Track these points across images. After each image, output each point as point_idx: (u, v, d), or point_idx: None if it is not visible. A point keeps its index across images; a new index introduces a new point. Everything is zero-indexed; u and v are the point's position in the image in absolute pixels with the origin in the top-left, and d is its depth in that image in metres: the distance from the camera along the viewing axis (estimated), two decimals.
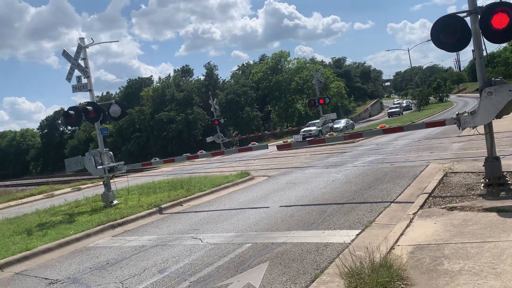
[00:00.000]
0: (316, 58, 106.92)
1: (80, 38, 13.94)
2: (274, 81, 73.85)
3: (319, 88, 42.32)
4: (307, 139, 39.74)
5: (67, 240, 9.36)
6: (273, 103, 74.62)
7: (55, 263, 8.04)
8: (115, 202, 13.43)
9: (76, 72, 13.83)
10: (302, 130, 42.24)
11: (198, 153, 15.88)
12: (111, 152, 14.08)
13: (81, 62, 13.74)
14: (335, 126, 44.25)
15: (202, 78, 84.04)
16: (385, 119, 65.05)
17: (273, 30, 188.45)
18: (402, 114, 66.57)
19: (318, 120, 41.15)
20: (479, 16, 7.98)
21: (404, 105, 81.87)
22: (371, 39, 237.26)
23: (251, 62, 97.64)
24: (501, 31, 7.94)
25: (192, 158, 14.42)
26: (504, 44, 42.03)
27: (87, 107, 13.50)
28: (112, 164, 13.65)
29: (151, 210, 11.57)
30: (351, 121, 50.42)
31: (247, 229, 8.31)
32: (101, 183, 15.63)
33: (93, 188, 22.08)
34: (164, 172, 25.28)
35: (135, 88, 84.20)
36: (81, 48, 13.68)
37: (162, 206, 11.95)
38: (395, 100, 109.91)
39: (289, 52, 79.22)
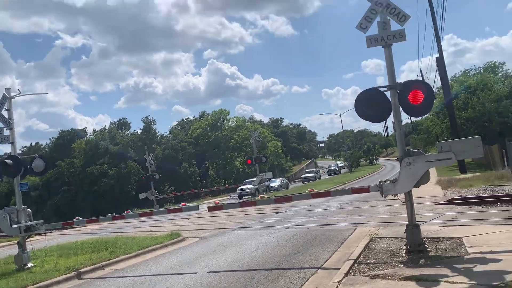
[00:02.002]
0: (255, 118, 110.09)
1: (6, 88, 13.31)
2: (214, 138, 74.42)
3: (256, 147, 43.07)
4: (243, 197, 39.71)
5: None
6: (212, 160, 74.66)
7: None
8: (29, 265, 12.31)
9: None
10: (239, 188, 42.26)
11: (125, 213, 15.20)
12: (29, 210, 13.08)
13: (5, 113, 13.01)
14: (271, 184, 44.73)
15: (139, 131, 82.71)
16: (324, 177, 67.05)
17: (215, 88, 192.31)
18: (319, 179, 62.20)
19: (255, 179, 41.41)
20: (398, 92, 8.62)
21: (332, 168, 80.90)
22: (307, 102, 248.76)
23: (192, 118, 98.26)
24: (417, 106, 8.60)
25: (118, 219, 13.75)
26: (427, 114, 45.68)
27: (7, 160, 12.64)
28: (29, 223, 12.66)
29: (68, 275, 10.69)
30: (286, 180, 51.35)
31: None
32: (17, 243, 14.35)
33: (8, 247, 20.22)
34: (90, 230, 23.83)
35: (67, 140, 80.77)
36: (5, 98, 13.01)
37: (82, 270, 11.10)
38: (318, 166, 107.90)
39: (229, 110, 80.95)
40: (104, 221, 15.83)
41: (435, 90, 44.41)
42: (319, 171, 70.84)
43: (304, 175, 64.88)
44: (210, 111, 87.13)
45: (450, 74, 53.45)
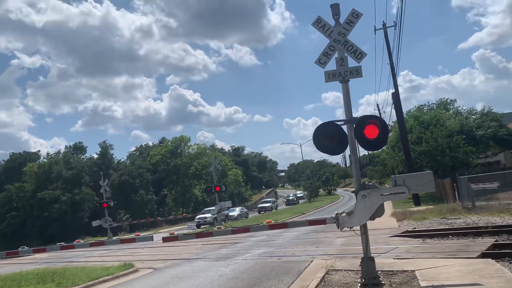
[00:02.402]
0: (216, 145, 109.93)
1: None
2: (173, 165, 73.44)
3: (216, 175, 42.82)
4: (201, 226, 39.04)
5: None
6: (170, 187, 73.48)
7: None
8: None
9: None
10: (197, 217, 41.62)
11: (75, 242, 14.52)
12: None
13: None
14: (230, 214, 44.40)
15: (95, 156, 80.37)
16: (281, 207, 67.15)
17: (176, 114, 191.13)
18: (276, 209, 61.72)
19: (213, 207, 40.92)
20: (354, 126, 8.82)
21: (290, 198, 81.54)
22: (268, 131, 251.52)
23: (151, 144, 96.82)
24: (372, 140, 8.81)
25: (67, 248, 13.10)
26: (383, 147, 47.16)
27: None
28: None
29: None
30: (245, 210, 51.19)
31: None
32: None
33: None
34: (37, 260, 22.54)
35: (18, 163, 77.27)
36: None
37: None
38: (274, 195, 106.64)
39: (189, 137, 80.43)
40: (52, 250, 15.04)
41: (390, 124, 46.18)
42: (276, 201, 70.07)
43: (260, 205, 63.86)
44: (171, 137, 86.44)
45: (405, 108, 55.69)
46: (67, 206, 62.57)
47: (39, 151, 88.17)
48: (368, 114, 11.46)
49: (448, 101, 52.70)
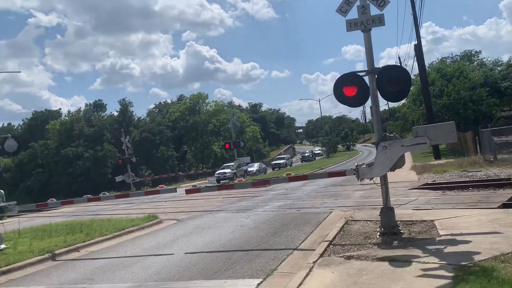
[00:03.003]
0: (234, 102, 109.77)
1: None
2: (192, 122, 73.91)
3: (235, 131, 43.09)
4: (221, 181, 39.77)
5: None
6: (190, 144, 74.33)
7: None
8: (2, 246, 12.04)
9: None
10: (217, 172, 42.27)
11: (101, 194, 15.01)
12: (1, 191, 12.76)
13: None
14: (249, 169, 44.92)
15: (115, 114, 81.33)
16: (297, 164, 67.45)
17: (193, 71, 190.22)
18: (290, 166, 59.40)
19: (233, 163, 41.48)
20: (376, 76, 8.68)
21: (306, 154, 78.28)
22: (286, 87, 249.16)
23: (169, 101, 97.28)
24: (394, 91, 8.70)
25: (94, 201, 13.59)
26: (404, 101, 46.39)
27: None
28: (2, 204, 12.36)
29: (42, 257, 10.52)
30: (263, 165, 51.62)
31: (147, 279, 7.85)
32: None
33: None
34: (65, 213, 23.47)
35: (41, 121, 78.96)
36: None
37: (56, 252, 10.95)
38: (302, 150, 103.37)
39: (207, 94, 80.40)
40: (79, 203, 15.61)
41: (412, 77, 45.14)
42: (290, 158, 68.01)
43: (274, 162, 61.93)
44: (188, 94, 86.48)
45: (427, 61, 54.21)
46: (90, 162, 64.25)
47: (60, 109, 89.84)
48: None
49: (473, 52, 51.03)
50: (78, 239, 12.17)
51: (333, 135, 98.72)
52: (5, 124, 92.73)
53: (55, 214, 24.31)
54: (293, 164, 63.19)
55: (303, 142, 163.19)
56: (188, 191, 12.54)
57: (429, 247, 7.31)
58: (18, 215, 18.57)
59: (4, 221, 12.79)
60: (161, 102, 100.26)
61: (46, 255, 10.65)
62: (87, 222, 15.88)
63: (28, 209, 14.79)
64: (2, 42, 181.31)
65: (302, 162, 71.83)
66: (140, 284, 7.53)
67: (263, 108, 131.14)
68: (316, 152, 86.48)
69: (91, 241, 12.13)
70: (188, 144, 74.84)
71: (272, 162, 62.29)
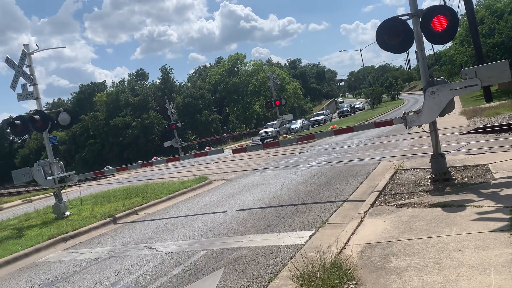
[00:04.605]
0: (272, 60, 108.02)
1: (24, 45, 13.34)
2: (232, 84, 73.90)
3: (275, 89, 42.71)
4: (265, 140, 40.07)
5: (15, 257, 8.93)
6: (231, 106, 74.68)
7: (1, 283, 7.65)
8: (67, 213, 12.96)
9: (22, 80, 13.25)
10: (260, 131, 42.45)
11: (153, 159, 15.60)
12: (61, 162, 13.56)
13: (26, 69, 13.16)
14: (292, 126, 44.75)
15: (158, 81, 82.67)
16: (337, 119, 66.25)
17: (230, 32, 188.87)
18: (331, 121, 57.08)
19: (275, 122, 41.48)
20: (420, 19, 8.28)
21: (345, 109, 72.31)
22: (325, 40, 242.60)
23: (208, 65, 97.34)
24: (440, 33, 8.27)
25: (147, 166, 14.15)
26: (450, 44, 44.02)
27: (34, 116, 12.96)
28: (62, 174, 13.16)
29: (105, 221, 11.25)
30: (306, 122, 51.15)
31: (203, 235, 8.23)
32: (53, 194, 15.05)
33: (45, 199, 21.22)
34: (120, 180, 24.67)
35: (88, 94, 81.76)
36: (25, 55, 13.10)
37: (117, 215, 11.64)
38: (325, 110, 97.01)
39: (245, 54, 79.64)
40: (133, 169, 16.33)
41: (459, 17, 42.47)
42: (329, 113, 64.40)
43: (312, 118, 58.16)
44: (226, 56, 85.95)
45: None
46: (139, 130, 66.27)
47: (105, 81, 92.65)
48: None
49: None
50: (136, 203, 12.85)
51: (377, 85, 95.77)
52: (55, 100, 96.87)
53: (111, 181, 25.59)
54: (332, 120, 60.97)
55: (346, 95, 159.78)
56: (234, 151, 12.78)
57: (484, 191, 7.14)
58: (78, 184, 19.72)
59: (65, 190, 13.63)
60: (200, 66, 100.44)
61: (108, 219, 11.36)
62: (142, 186, 16.67)
63: (86, 177, 15.64)
64: (44, 20, 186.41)
65: (340, 117, 66.96)
66: (197, 240, 7.92)
67: (302, 64, 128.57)
68: (356, 105, 78.97)
69: (148, 204, 12.78)
70: (229, 106, 75.21)
71: (310, 119, 58.63)
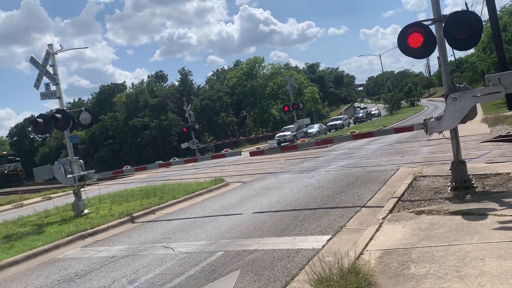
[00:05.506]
0: (290, 64, 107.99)
1: (48, 45, 13.62)
2: (249, 87, 74.09)
3: (293, 93, 42.67)
4: (282, 144, 40.01)
5: (35, 252, 9.10)
6: (248, 109, 74.80)
7: (21, 277, 7.80)
8: (85, 211, 13.15)
9: (45, 79, 13.52)
10: (277, 135, 42.44)
11: (171, 160, 15.74)
12: (81, 161, 13.78)
13: (50, 69, 13.42)
14: (309, 131, 44.65)
15: (176, 83, 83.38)
16: (357, 124, 65.75)
17: (249, 36, 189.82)
18: (348, 126, 56.67)
19: (292, 125, 41.40)
20: (443, 24, 8.20)
21: (360, 115, 71.28)
22: (344, 45, 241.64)
23: (226, 68, 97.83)
24: (464, 38, 8.18)
25: (165, 166, 14.29)
26: (472, 50, 43.35)
27: (56, 115, 13.21)
28: (82, 173, 13.37)
29: (122, 219, 11.38)
30: (324, 126, 50.96)
31: (219, 236, 8.26)
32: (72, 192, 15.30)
33: (64, 197, 21.56)
34: (138, 180, 24.93)
35: (108, 94, 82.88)
36: (49, 54, 13.38)
37: (134, 214, 11.77)
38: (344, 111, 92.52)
39: (263, 57, 79.65)
40: (151, 169, 16.50)
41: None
42: (347, 118, 63.23)
43: (330, 123, 57.25)
44: (244, 59, 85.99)
45: (498, 5, 49.82)
46: (156, 131, 66.92)
47: (125, 82, 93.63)
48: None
49: None
50: (153, 203, 12.97)
51: (396, 91, 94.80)
52: (76, 99, 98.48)
53: (129, 181, 25.88)
54: (350, 125, 60.05)
55: (364, 100, 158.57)
56: (252, 153, 12.82)
57: (506, 200, 7.00)
58: (97, 182, 19.99)
59: (84, 188, 13.85)
60: (219, 69, 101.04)
61: (126, 218, 11.49)
62: (159, 186, 16.82)
63: (105, 176, 15.85)
64: (67, 21, 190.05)
65: (355, 123, 64.76)
66: (214, 241, 7.95)
67: (321, 68, 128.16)
68: (372, 112, 76.31)
69: (165, 204, 12.89)
70: (247, 109, 75.35)
71: (327, 124, 57.93)
